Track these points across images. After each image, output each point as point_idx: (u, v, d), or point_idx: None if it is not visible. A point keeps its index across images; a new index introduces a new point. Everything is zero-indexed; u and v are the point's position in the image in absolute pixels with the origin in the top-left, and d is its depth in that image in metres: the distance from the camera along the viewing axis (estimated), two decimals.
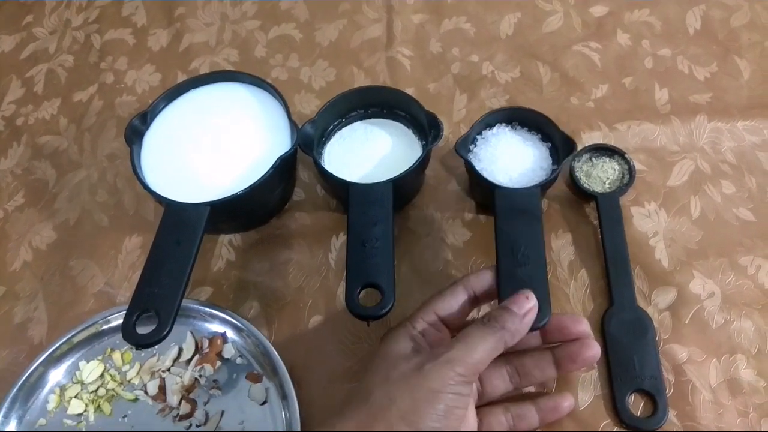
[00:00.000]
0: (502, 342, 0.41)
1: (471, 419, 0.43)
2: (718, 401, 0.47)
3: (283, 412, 0.49)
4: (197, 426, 0.50)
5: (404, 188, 0.56)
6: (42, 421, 0.51)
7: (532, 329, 0.43)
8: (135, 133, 0.57)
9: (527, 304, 0.42)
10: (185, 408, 0.51)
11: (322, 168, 0.54)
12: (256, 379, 0.51)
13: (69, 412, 0.52)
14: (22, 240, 0.63)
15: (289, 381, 0.49)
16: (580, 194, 0.56)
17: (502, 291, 0.44)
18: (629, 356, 0.48)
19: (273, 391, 0.50)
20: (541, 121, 0.55)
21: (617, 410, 0.47)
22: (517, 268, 0.45)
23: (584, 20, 0.71)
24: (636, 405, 0.47)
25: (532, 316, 0.42)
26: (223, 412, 0.51)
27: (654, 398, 0.47)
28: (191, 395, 0.51)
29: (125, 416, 0.51)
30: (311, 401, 0.50)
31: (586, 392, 0.48)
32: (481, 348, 0.40)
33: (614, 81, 0.65)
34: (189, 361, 0.53)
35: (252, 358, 0.53)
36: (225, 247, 0.59)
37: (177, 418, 0.51)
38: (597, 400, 0.48)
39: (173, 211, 0.50)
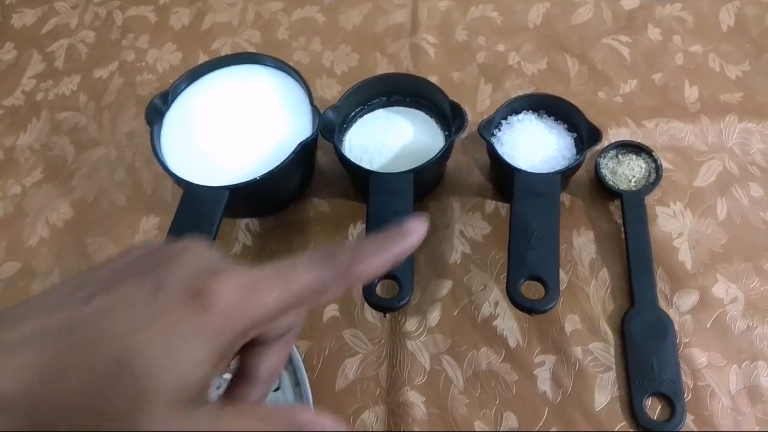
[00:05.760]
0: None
1: None
2: (737, 408, 0.46)
3: (295, 399, 0.49)
4: None
5: (425, 179, 0.55)
6: None
7: (537, 312, 0.42)
8: (156, 113, 0.56)
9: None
10: None
11: (343, 156, 0.53)
12: None
13: None
14: (39, 216, 0.63)
15: (302, 368, 0.49)
16: (605, 192, 0.55)
17: (512, 273, 0.44)
18: (648, 358, 0.47)
19: (286, 377, 0.50)
20: (568, 110, 0.54)
21: (634, 413, 0.46)
22: (528, 251, 0.45)
23: (615, 13, 0.69)
24: (653, 408, 0.46)
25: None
26: None
27: (672, 402, 0.46)
28: None
29: None
30: (324, 388, 0.50)
31: (602, 393, 0.48)
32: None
33: (643, 76, 0.64)
34: None
35: None
36: (242, 232, 0.59)
37: None
38: (613, 402, 0.47)
39: (192, 194, 0.50)
